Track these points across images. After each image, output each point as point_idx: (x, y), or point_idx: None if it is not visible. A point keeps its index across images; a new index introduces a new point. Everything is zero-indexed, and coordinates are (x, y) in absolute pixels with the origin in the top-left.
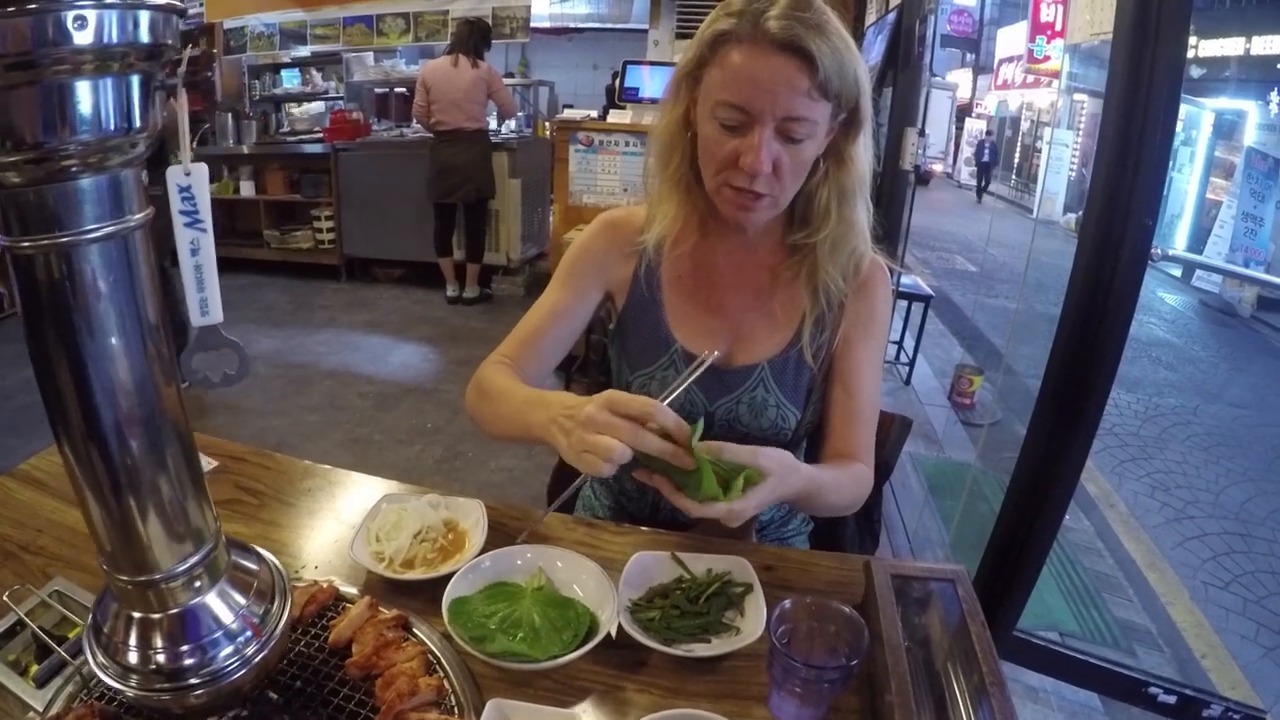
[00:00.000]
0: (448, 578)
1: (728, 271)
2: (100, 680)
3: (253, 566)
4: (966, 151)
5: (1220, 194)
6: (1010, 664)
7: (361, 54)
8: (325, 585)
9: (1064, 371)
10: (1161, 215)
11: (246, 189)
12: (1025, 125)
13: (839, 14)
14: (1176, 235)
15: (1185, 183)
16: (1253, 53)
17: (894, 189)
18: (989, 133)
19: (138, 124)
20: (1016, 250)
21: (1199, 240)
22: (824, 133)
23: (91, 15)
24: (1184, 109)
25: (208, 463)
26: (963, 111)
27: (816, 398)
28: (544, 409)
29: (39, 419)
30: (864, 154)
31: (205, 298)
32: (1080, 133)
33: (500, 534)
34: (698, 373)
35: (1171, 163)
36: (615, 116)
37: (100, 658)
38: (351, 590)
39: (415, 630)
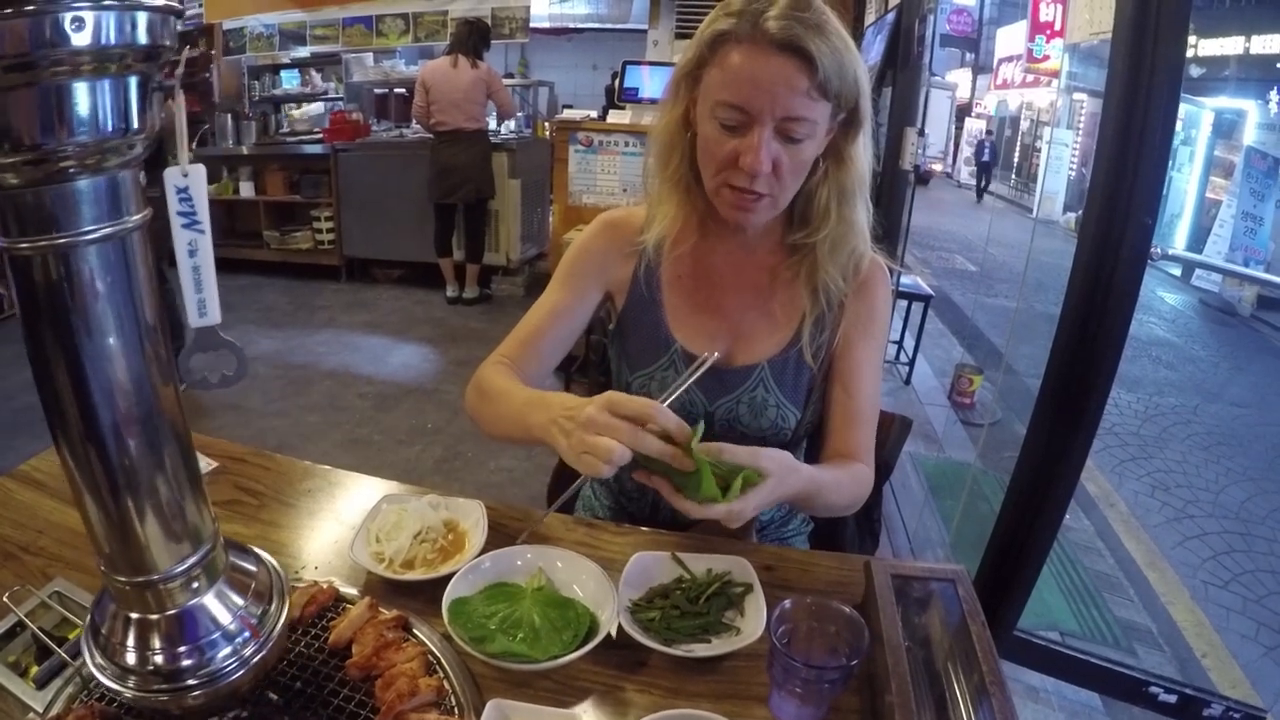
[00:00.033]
0: (448, 578)
1: (727, 271)
2: (99, 681)
3: (251, 567)
4: (966, 151)
5: (1220, 193)
6: (1011, 664)
7: (361, 55)
8: (325, 586)
9: (1064, 371)
10: (1161, 214)
11: (246, 190)
12: (1025, 125)
13: (839, 14)
14: (1176, 234)
15: (1185, 182)
16: (1252, 52)
17: (893, 189)
18: (988, 132)
19: (135, 125)
20: (1016, 250)
21: (1199, 239)
22: (823, 133)
23: (89, 16)
24: (1183, 108)
25: (208, 463)
26: (962, 111)
27: (816, 398)
28: (544, 410)
29: (39, 420)
30: (863, 154)
31: (203, 299)
32: (1080, 132)
33: (500, 534)
34: (698, 373)
35: (1171, 162)
36: (615, 117)
37: (98, 659)
38: (351, 591)
39: (415, 631)
